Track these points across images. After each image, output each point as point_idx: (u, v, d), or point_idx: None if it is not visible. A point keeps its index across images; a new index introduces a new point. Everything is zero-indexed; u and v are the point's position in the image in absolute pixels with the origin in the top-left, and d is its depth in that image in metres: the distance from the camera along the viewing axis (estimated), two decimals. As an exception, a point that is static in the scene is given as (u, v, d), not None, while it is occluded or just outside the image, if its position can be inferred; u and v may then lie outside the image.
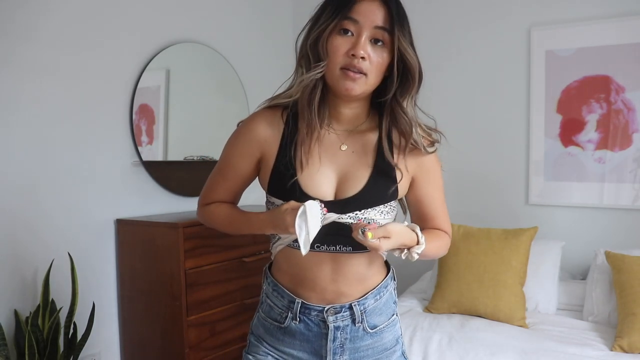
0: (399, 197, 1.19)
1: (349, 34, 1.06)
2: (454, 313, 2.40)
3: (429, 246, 1.12)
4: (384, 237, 1.01)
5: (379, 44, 1.07)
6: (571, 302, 2.47)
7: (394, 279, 1.28)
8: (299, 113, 1.15)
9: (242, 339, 2.51)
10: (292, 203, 1.06)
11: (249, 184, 1.27)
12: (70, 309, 2.08)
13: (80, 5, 2.26)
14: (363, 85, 1.08)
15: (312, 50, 1.09)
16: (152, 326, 2.35)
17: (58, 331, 2.03)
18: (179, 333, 2.26)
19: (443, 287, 2.45)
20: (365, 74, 1.07)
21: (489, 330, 2.20)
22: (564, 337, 2.12)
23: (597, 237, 2.64)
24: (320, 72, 1.08)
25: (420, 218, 1.24)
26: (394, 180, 1.15)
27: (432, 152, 1.19)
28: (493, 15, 2.89)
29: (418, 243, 1.07)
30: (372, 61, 1.07)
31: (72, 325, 2.09)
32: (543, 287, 2.45)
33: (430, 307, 2.46)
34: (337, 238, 1.12)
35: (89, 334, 2.10)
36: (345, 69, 1.06)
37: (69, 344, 2.08)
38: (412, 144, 1.15)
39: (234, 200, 1.28)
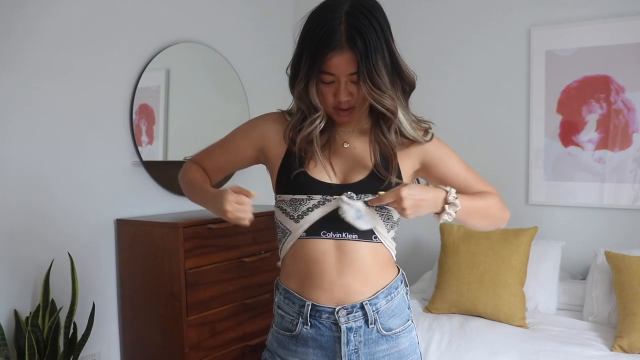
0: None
1: (330, 82, 1.12)
2: (454, 313, 2.40)
3: (473, 204, 1.17)
4: (403, 186, 1.07)
5: (358, 82, 1.10)
6: (571, 302, 2.47)
7: (406, 284, 1.27)
8: (300, 150, 1.20)
9: (242, 339, 2.51)
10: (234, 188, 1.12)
11: (237, 169, 1.34)
12: (70, 309, 2.08)
13: (81, 7, 2.26)
14: (355, 114, 1.18)
15: (302, 101, 1.16)
16: (152, 326, 2.35)
17: (58, 331, 2.03)
18: (179, 333, 2.26)
19: (443, 287, 2.45)
20: (354, 107, 1.15)
21: (489, 330, 2.20)
22: (564, 337, 2.12)
23: (597, 237, 2.63)
24: (316, 126, 1.16)
25: None
26: (397, 174, 1.19)
27: (430, 140, 1.22)
28: (493, 16, 2.89)
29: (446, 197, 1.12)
30: (357, 96, 1.13)
31: (72, 325, 2.09)
32: (543, 287, 2.45)
33: (430, 307, 2.46)
34: (343, 224, 1.14)
35: (89, 334, 2.10)
36: (336, 108, 1.15)
37: (69, 344, 2.08)
38: (409, 139, 1.19)
39: (215, 176, 1.33)
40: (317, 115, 1.15)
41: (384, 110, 1.11)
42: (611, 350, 2.02)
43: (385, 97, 1.09)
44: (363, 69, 1.06)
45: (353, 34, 1.05)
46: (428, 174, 1.25)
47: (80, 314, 2.15)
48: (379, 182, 1.16)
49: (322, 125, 1.16)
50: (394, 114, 1.12)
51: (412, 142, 1.20)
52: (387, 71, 1.09)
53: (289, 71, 1.18)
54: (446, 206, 1.11)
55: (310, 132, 1.16)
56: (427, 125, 1.23)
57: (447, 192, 1.12)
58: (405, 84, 1.15)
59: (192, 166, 1.33)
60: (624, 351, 2.00)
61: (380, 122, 1.17)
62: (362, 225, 1.11)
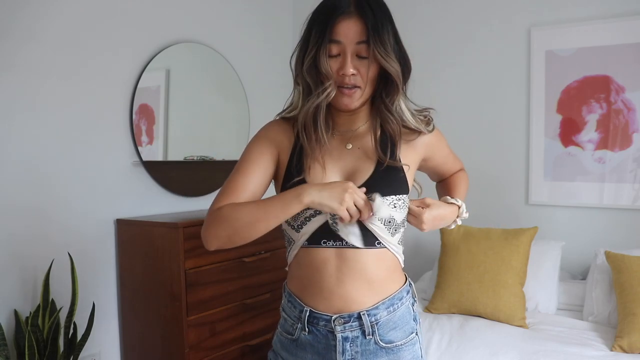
0: (409, 189, 1.20)
1: (337, 55, 1.12)
2: (454, 313, 2.40)
3: (464, 194, 1.36)
4: (425, 206, 1.18)
5: (364, 58, 1.11)
6: (571, 302, 2.47)
7: (413, 295, 1.25)
8: (304, 128, 1.18)
9: (242, 339, 2.51)
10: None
11: (265, 191, 1.22)
12: (70, 309, 2.08)
13: (81, 7, 2.26)
14: (359, 98, 1.14)
15: (310, 75, 1.13)
16: (152, 326, 2.35)
17: (58, 331, 2.03)
18: (179, 333, 2.26)
19: (443, 287, 2.45)
20: (359, 87, 1.13)
21: (489, 330, 2.20)
22: (564, 337, 2.12)
23: (597, 237, 2.63)
24: (326, 95, 1.13)
25: (438, 177, 1.44)
26: (400, 170, 1.18)
27: (432, 130, 1.25)
28: (493, 16, 2.89)
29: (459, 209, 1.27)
30: (362, 74, 1.12)
31: (72, 325, 2.09)
32: (543, 287, 2.45)
33: (430, 307, 2.46)
34: None
35: (89, 334, 2.10)
36: (340, 86, 1.13)
37: (69, 344, 2.08)
38: (413, 129, 1.21)
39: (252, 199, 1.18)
40: (328, 83, 1.12)
41: (393, 74, 1.12)
42: (611, 350, 2.02)
43: (394, 62, 1.11)
44: (371, 32, 1.08)
45: (362, 2, 1.09)
46: (425, 164, 1.31)
47: (80, 314, 2.15)
48: (383, 178, 1.14)
49: (333, 94, 1.12)
50: (396, 78, 1.13)
51: (415, 133, 1.21)
52: (392, 46, 1.11)
53: (293, 59, 1.17)
54: (457, 219, 1.26)
55: (320, 103, 1.13)
56: (428, 115, 1.24)
57: (459, 207, 1.26)
58: (405, 68, 1.15)
59: (230, 205, 1.12)
60: (624, 351, 2.00)
61: (383, 96, 1.16)
62: (354, 240, 1.14)
